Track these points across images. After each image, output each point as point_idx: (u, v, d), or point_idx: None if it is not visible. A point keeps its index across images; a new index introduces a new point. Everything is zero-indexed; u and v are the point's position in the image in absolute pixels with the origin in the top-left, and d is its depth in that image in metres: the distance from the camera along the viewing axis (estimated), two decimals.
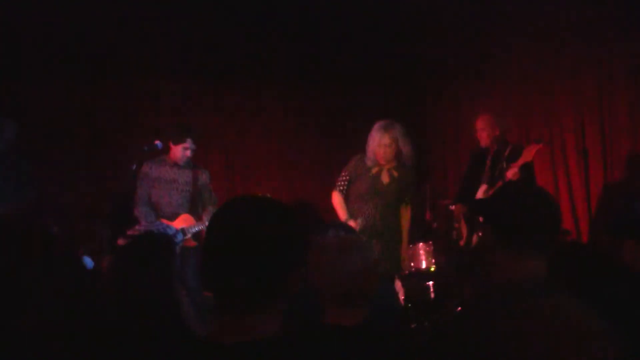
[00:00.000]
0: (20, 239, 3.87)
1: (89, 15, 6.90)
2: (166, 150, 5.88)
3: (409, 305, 6.16)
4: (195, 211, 5.85)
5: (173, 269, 2.68)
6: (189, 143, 5.78)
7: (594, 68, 6.86)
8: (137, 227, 5.49)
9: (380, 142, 5.74)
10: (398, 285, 6.21)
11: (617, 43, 6.61)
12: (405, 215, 6.06)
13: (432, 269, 6.65)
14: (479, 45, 8.03)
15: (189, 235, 5.71)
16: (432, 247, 6.75)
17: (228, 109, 8.21)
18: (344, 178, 6.00)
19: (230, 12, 7.42)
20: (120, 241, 3.89)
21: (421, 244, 6.79)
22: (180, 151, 5.79)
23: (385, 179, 5.87)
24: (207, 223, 5.65)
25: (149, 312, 2.46)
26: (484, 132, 6.20)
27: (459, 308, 5.71)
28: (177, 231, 5.63)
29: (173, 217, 5.78)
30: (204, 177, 6.02)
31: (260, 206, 1.72)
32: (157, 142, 5.66)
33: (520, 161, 5.74)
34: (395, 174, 5.89)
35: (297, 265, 1.69)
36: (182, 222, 5.75)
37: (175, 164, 5.86)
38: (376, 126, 5.82)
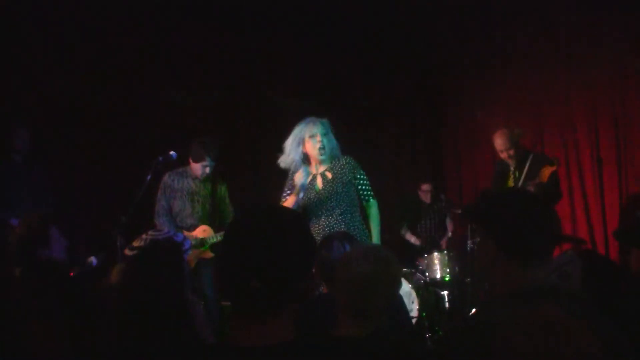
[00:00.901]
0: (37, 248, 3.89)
1: (101, 21, 6.97)
2: (183, 160, 5.93)
3: (424, 314, 6.15)
4: (214, 223, 5.90)
5: (183, 275, 2.69)
6: (207, 161, 5.86)
7: (609, 77, 6.85)
8: (143, 235, 5.54)
9: (310, 133, 4.89)
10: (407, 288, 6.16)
11: (632, 52, 6.60)
12: (372, 214, 5.04)
13: (447, 279, 6.64)
14: (495, 54, 8.04)
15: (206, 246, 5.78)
16: (447, 257, 6.75)
17: (238, 114, 8.22)
18: (284, 195, 5.13)
19: (236, 15, 7.48)
20: (127, 251, 3.90)
21: (436, 253, 6.78)
22: (200, 168, 5.90)
23: (319, 184, 4.96)
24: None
25: (159, 319, 2.47)
26: (502, 153, 6.21)
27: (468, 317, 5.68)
28: (184, 238, 5.68)
29: (193, 228, 5.89)
30: (222, 189, 6.11)
31: (274, 215, 1.78)
32: (172, 153, 5.69)
33: (537, 180, 5.76)
34: (329, 175, 4.95)
35: (308, 273, 1.75)
36: (201, 233, 5.87)
37: (197, 177, 5.94)
38: (300, 124, 4.99)
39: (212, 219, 5.95)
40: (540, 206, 2.13)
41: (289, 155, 4.98)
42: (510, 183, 6.18)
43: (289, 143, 4.97)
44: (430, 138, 9.32)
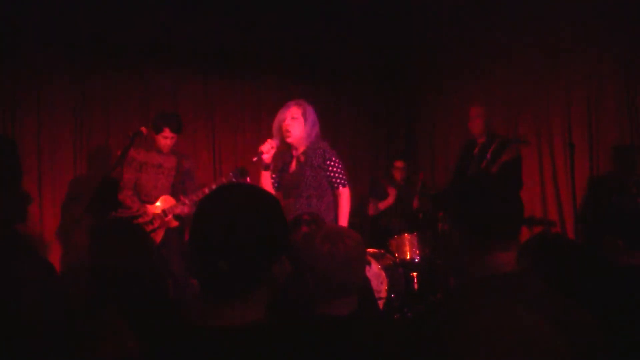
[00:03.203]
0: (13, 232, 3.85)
1: (83, 3, 6.89)
2: (153, 137, 5.96)
3: (392, 295, 6.17)
4: (176, 195, 5.97)
5: (144, 253, 2.66)
6: (166, 132, 5.90)
7: (582, 63, 6.90)
8: (113, 214, 5.59)
9: (287, 115, 4.94)
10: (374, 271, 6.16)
11: (605, 39, 6.65)
12: (340, 203, 4.98)
13: (417, 260, 6.68)
14: (471, 39, 8.05)
15: (170, 216, 5.79)
16: (417, 238, 6.77)
17: (219, 99, 8.15)
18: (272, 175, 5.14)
19: (225, 3, 7.44)
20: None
21: (406, 234, 6.81)
22: (161, 140, 5.94)
23: (292, 167, 5.05)
24: (186, 203, 5.84)
25: (128, 294, 2.45)
26: (477, 119, 6.18)
27: (435, 301, 5.69)
28: (153, 217, 5.74)
29: (156, 200, 5.93)
30: (188, 164, 6.17)
31: (248, 195, 1.73)
32: (142, 129, 5.68)
33: (503, 158, 5.74)
34: (302, 158, 4.98)
35: (280, 255, 1.70)
36: (163, 203, 5.91)
37: (161, 151, 5.96)
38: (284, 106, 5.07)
39: (176, 192, 5.99)
40: (502, 189, 2.12)
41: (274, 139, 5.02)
42: (474, 163, 6.16)
43: (273, 126, 5.04)
44: (405, 116, 9.33)
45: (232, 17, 7.75)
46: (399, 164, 7.97)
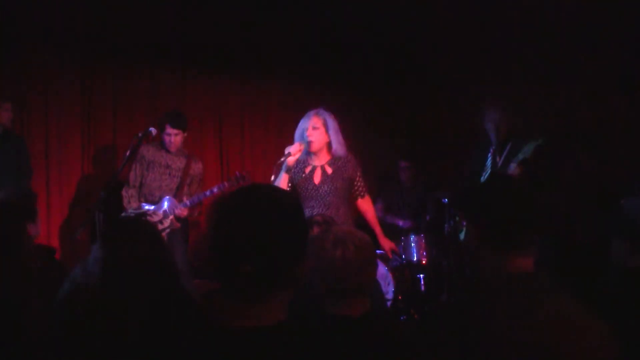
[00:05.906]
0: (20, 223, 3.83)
1: (90, 2, 6.92)
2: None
3: (400, 297, 6.17)
4: (180, 197, 5.95)
5: (162, 253, 2.66)
6: (168, 129, 5.86)
7: (585, 61, 6.91)
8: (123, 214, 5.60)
9: (309, 125, 4.99)
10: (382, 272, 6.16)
11: (605, 37, 6.67)
12: (367, 208, 5.32)
13: (424, 262, 6.67)
14: (476, 38, 8.04)
15: (171, 216, 5.79)
16: (424, 240, 6.77)
17: (226, 99, 8.16)
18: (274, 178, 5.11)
19: (233, 2, 7.45)
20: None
21: (413, 236, 6.80)
22: (165, 138, 5.90)
23: (317, 179, 5.04)
24: (187, 205, 5.87)
25: (145, 293, 2.45)
26: (491, 124, 6.07)
27: (448, 301, 5.68)
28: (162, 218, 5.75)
29: (159, 200, 5.92)
30: (197, 167, 6.13)
31: (269, 196, 1.72)
32: (151, 129, 5.68)
33: (520, 158, 5.69)
34: (329, 170, 5.05)
35: (302, 256, 1.70)
36: (166, 204, 5.90)
37: (170, 151, 5.96)
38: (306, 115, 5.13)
39: (180, 194, 5.97)
40: (523, 194, 2.12)
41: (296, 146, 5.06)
42: (488, 166, 6.11)
43: (295, 135, 5.09)
44: (409, 116, 9.33)
45: (239, 17, 7.76)
46: (403, 164, 7.96)
